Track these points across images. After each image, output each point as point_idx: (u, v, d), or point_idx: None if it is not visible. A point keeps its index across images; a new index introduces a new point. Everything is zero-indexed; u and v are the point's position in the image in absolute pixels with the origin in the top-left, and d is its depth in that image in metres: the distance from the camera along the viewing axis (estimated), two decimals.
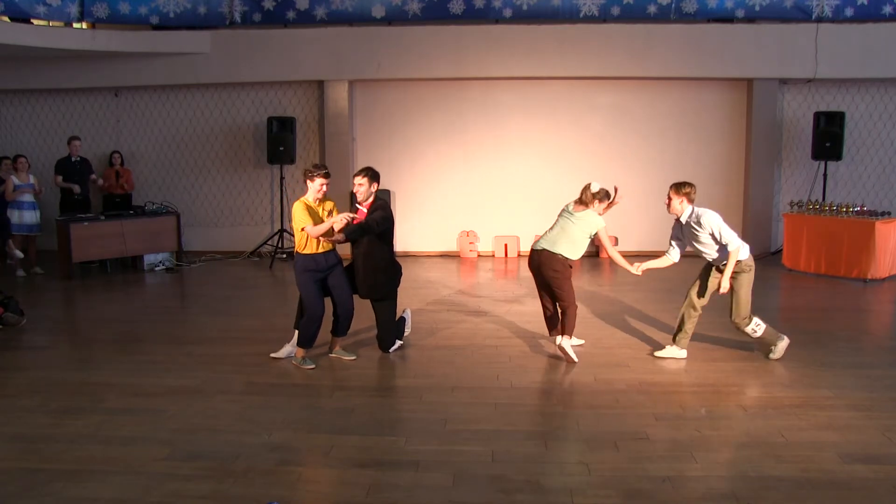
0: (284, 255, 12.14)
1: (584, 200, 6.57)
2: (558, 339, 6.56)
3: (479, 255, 12.68)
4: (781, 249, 11.23)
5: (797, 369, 6.22)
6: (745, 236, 12.32)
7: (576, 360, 6.47)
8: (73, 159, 11.54)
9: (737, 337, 6.90)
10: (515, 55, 11.88)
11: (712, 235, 6.23)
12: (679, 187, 6.34)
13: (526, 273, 11.11)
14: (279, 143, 11.88)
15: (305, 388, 5.93)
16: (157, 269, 11.37)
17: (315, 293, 6.37)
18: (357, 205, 6.66)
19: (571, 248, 6.53)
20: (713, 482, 4.22)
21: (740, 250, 6.22)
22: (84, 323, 8.49)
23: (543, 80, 12.28)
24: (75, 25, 11.68)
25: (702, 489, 4.14)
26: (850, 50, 11.63)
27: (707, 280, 6.53)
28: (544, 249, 6.57)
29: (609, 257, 6.73)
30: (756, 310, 8.65)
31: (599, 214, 6.55)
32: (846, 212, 10.23)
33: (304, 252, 6.35)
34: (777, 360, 6.44)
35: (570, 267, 6.58)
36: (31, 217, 10.80)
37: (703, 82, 12.34)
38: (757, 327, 6.43)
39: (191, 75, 12.35)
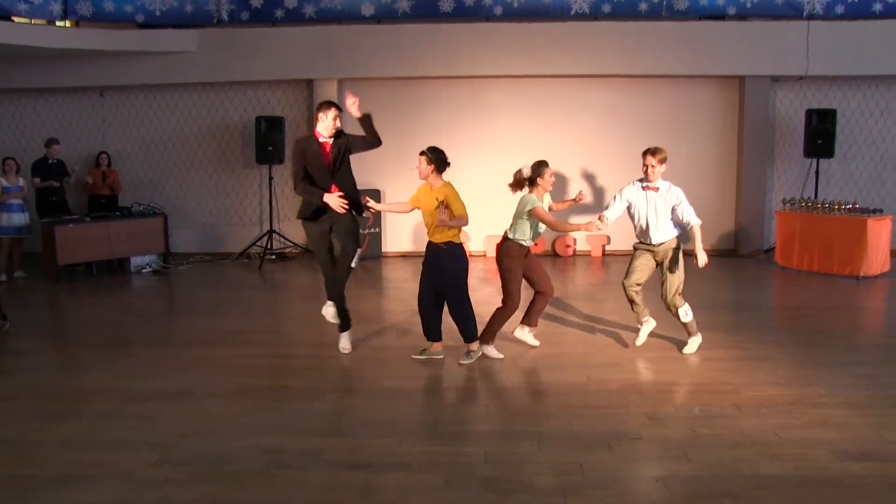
0: (273, 257, 12.12)
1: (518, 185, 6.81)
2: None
3: (470, 255, 12.68)
4: (774, 247, 11.28)
5: (791, 367, 6.25)
6: (737, 234, 12.43)
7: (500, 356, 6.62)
8: (50, 161, 11.42)
9: (730, 335, 6.94)
10: (506, 53, 11.89)
11: (674, 209, 6.39)
12: (656, 152, 6.40)
13: None
14: (268, 142, 11.85)
15: (296, 390, 5.92)
16: (144, 271, 11.33)
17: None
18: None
19: (512, 230, 6.74)
20: (708, 482, 4.24)
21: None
22: (70, 326, 8.47)
23: (534, 78, 12.30)
24: (58, 24, 11.62)
25: (696, 489, 4.16)
26: (842, 47, 11.69)
27: (643, 265, 6.62)
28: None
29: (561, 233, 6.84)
30: (750, 307, 8.73)
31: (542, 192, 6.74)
32: (838, 209, 10.29)
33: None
34: (691, 355, 6.57)
35: (516, 256, 6.65)
36: (20, 219, 10.72)
37: (694, 80, 12.39)
38: (689, 312, 6.57)
39: (177, 74, 12.30)
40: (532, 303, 6.91)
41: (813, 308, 8.68)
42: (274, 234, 12.25)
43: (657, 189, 6.43)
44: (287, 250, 12.48)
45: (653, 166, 6.39)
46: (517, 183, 6.75)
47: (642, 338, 6.85)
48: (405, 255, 12.72)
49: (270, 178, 12.13)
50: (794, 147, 12.39)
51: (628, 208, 6.61)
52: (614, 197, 6.69)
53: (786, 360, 6.46)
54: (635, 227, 6.67)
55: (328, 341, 7.13)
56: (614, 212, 6.58)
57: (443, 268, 6.41)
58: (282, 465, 4.51)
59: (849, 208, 10.26)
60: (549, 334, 7.39)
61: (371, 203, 6.71)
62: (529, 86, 12.46)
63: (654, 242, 6.50)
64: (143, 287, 10.49)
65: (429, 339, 6.66)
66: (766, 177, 12.43)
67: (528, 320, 6.95)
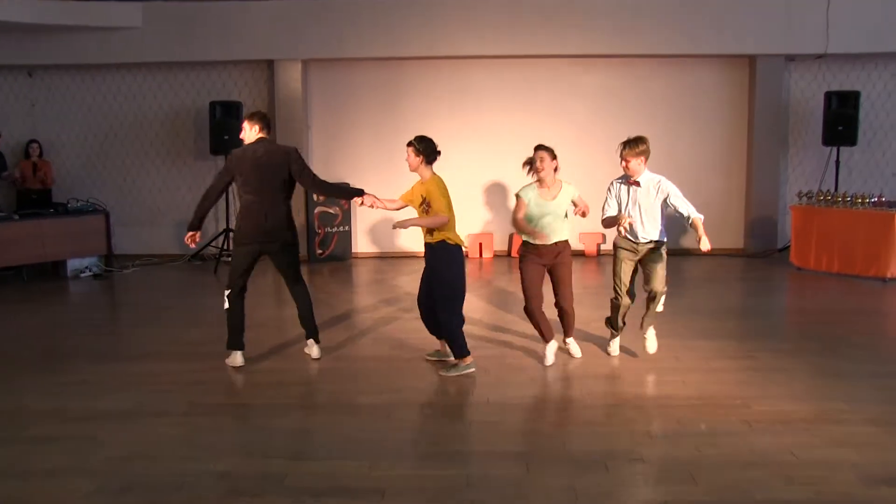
0: (230, 258, 12.05)
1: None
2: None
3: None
4: (789, 246, 11.36)
5: (808, 379, 6.29)
6: (748, 231, 12.52)
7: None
8: None
9: (740, 343, 6.99)
10: (489, 31, 11.92)
11: (665, 203, 6.43)
12: (635, 144, 6.41)
13: (503, 275, 11.18)
14: (223, 130, 11.78)
15: (257, 407, 5.90)
16: (83, 275, 11.26)
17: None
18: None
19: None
20: None
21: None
22: None
23: (520, 58, 12.34)
24: None
25: None
26: (866, 22, 11.77)
27: (631, 270, 6.71)
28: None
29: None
30: (761, 313, 8.79)
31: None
32: (862, 203, 10.35)
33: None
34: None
35: (524, 255, 6.76)
36: None
37: (699, 60, 12.46)
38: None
39: (120, 53, 12.22)
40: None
41: (832, 313, 8.74)
42: (231, 234, 12.19)
43: (639, 184, 6.50)
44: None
45: (627, 161, 6.43)
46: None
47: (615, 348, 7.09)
48: (377, 257, 12.71)
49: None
50: (811, 134, 12.50)
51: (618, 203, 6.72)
52: (607, 194, 6.79)
53: (802, 371, 6.49)
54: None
55: (292, 352, 7.11)
56: (614, 208, 6.68)
57: (431, 267, 6.60)
58: (239, 493, 4.48)
59: (874, 202, 10.32)
60: (537, 344, 7.41)
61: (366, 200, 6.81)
62: (514, 67, 12.50)
63: (640, 240, 6.55)
64: (82, 293, 10.41)
65: (438, 338, 6.88)
66: (779, 168, 12.53)
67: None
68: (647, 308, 6.77)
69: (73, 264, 11.30)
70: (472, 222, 12.73)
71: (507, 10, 11.89)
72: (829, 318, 8.49)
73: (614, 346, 7.07)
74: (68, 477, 4.69)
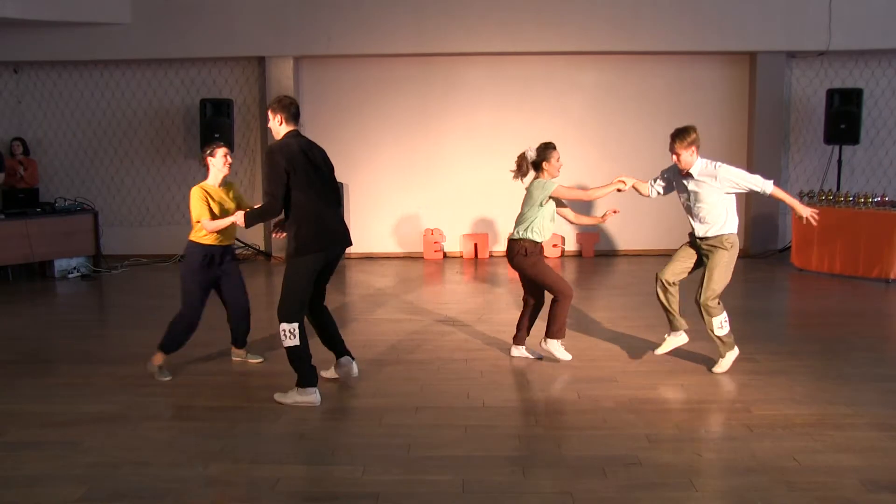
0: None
1: (522, 171, 6.82)
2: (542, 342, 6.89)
3: (445, 256, 12.70)
4: (790, 247, 11.37)
5: (811, 383, 6.28)
6: (748, 231, 12.51)
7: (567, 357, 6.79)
8: None
9: (740, 346, 6.95)
10: (485, 27, 11.92)
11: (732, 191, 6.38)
12: (686, 134, 6.32)
13: (498, 276, 11.17)
14: (214, 129, 11.76)
15: (246, 411, 5.88)
16: (70, 276, 11.23)
17: (200, 296, 6.59)
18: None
19: (523, 227, 6.75)
20: None
21: (734, 222, 6.42)
22: None
23: (517, 55, 12.34)
24: None
25: None
26: (869, 18, 11.80)
27: (683, 260, 6.58)
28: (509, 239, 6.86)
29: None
30: (761, 315, 8.78)
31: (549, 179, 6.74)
32: (864, 203, 10.37)
33: (202, 241, 6.58)
34: (722, 374, 6.51)
35: (532, 253, 6.71)
36: None
37: (699, 57, 12.47)
38: (724, 324, 6.45)
39: (108, 49, 12.21)
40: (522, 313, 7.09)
41: (834, 315, 8.75)
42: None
43: (692, 176, 6.40)
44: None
45: (678, 154, 6.34)
46: (520, 168, 6.79)
47: (664, 348, 6.78)
48: (370, 258, 12.69)
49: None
50: (812, 132, 12.52)
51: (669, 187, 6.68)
52: (667, 172, 6.73)
53: (804, 374, 6.49)
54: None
55: (282, 355, 7.08)
56: (655, 187, 6.70)
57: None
58: (229, 498, 4.47)
59: (876, 201, 10.35)
60: (533, 345, 7.40)
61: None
62: (510, 64, 12.50)
63: (698, 235, 6.46)
64: (69, 294, 10.38)
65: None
66: (780, 166, 12.54)
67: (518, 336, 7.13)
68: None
69: (60, 265, 11.28)
70: (467, 223, 12.72)
71: (502, 6, 11.88)
72: (830, 320, 8.50)
73: (668, 343, 6.75)
74: (53, 484, 4.66)
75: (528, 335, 7.09)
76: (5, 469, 4.89)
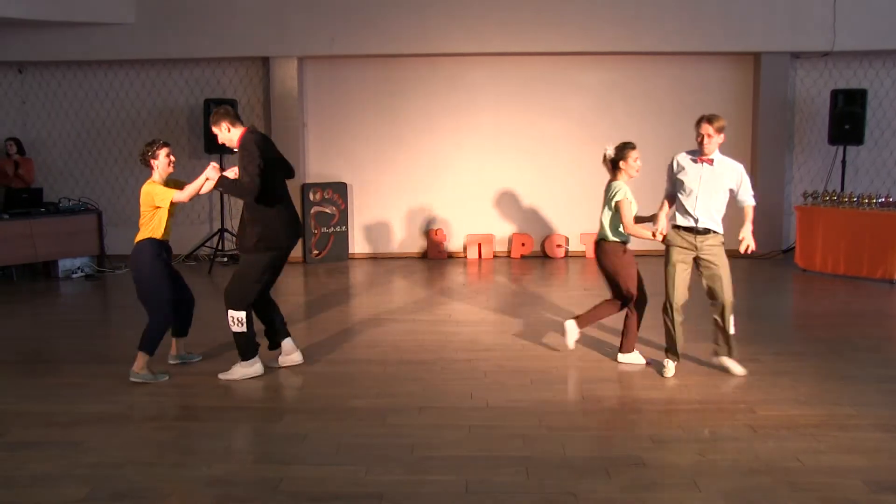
0: (226, 259, 12.06)
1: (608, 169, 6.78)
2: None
3: (448, 256, 12.69)
4: (794, 247, 11.35)
5: (814, 383, 6.27)
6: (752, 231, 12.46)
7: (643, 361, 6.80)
8: None
9: (744, 346, 6.95)
10: (488, 28, 11.91)
11: (731, 189, 6.34)
12: (715, 118, 6.22)
13: (503, 276, 11.16)
14: None
15: (250, 411, 5.89)
16: (74, 276, 11.24)
17: (169, 289, 6.64)
18: None
19: (608, 227, 6.69)
20: None
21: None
22: None
23: (520, 56, 12.33)
24: None
25: None
26: (873, 18, 11.76)
27: (685, 277, 6.42)
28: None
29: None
30: (765, 315, 8.77)
31: (627, 179, 6.71)
32: (868, 203, 10.35)
33: (158, 237, 6.61)
34: (726, 374, 6.49)
35: (611, 253, 6.68)
36: None
37: (703, 57, 12.45)
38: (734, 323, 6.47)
39: (112, 49, 12.21)
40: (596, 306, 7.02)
41: (838, 316, 8.73)
42: (226, 234, 12.18)
43: (711, 162, 6.32)
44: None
45: (709, 136, 6.20)
46: (606, 167, 6.78)
47: (669, 372, 6.57)
48: (375, 258, 12.69)
49: (221, 170, 12.02)
50: (817, 133, 12.49)
51: (677, 181, 6.46)
52: (669, 171, 6.58)
53: (807, 374, 6.49)
54: (678, 206, 6.44)
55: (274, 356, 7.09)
56: (669, 197, 6.57)
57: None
58: (232, 499, 4.46)
59: (881, 202, 10.33)
60: (537, 346, 7.40)
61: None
62: (514, 64, 12.49)
63: (700, 227, 6.30)
64: (73, 294, 10.39)
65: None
66: (784, 167, 12.52)
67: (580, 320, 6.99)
68: (718, 330, 6.51)
69: (64, 265, 11.28)
70: (471, 223, 12.71)
71: (504, 7, 11.86)
72: (835, 320, 8.48)
73: (669, 368, 6.53)
74: (55, 484, 4.67)
75: (635, 340, 6.89)
76: (8, 469, 4.89)
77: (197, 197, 6.82)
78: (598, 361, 6.96)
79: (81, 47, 12.16)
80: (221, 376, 6.50)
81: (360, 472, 4.75)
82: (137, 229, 6.67)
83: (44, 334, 8.29)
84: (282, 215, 6.48)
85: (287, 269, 6.79)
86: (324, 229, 12.36)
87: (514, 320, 8.48)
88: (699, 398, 6.03)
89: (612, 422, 5.57)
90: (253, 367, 6.53)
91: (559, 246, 12.57)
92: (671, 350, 6.55)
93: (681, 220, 6.39)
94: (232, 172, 6.58)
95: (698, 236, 6.33)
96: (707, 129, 6.21)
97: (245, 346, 6.51)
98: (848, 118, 11.55)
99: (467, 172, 12.62)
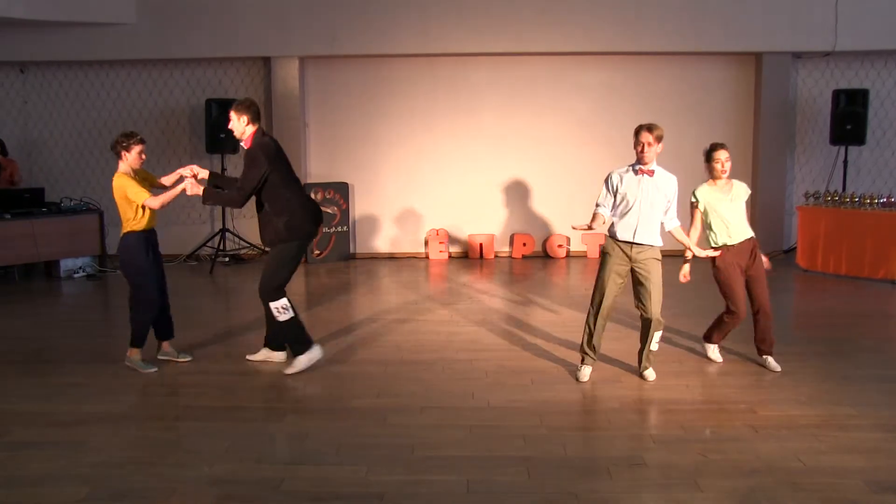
0: (227, 259, 12.06)
1: None
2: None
3: (450, 257, 12.69)
4: (795, 247, 11.35)
5: (816, 384, 6.28)
6: (753, 231, 12.45)
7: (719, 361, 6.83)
8: None
9: (744, 347, 6.96)
10: (490, 28, 11.91)
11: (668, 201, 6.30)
12: (652, 128, 6.17)
13: (504, 276, 11.16)
14: (219, 128, 11.72)
15: (251, 411, 5.88)
16: (76, 276, 11.25)
17: (155, 281, 6.72)
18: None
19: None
20: None
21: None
22: None
23: (522, 56, 12.34)
24: None
25: None
26: (875, 18, 11.76)
27: (615, 284, 6.31)
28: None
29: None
30: None
31: (709, 182, 6.75)
32: (870, 203, 10.35)
33: (141, 229, 6.65)
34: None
35: (722, 259, 6.68)
36: None
37: (704, 57, 12.45)
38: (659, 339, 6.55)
39: (114, 49, 12.22)
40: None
41: (840, 316, 8.74)
42: (227, 234, 12.19)
43: (652, 173, 6.22)
44: (242, 252, 12.43)
45: (649, 144, 6.10)
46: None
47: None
48: (376, 257, 12.69)
49: (223, 170, 12.05)
50: (818, 133, 12.49)
51: (617, 195, 6.29)
52: (603, 187, 6.38)
53: (809, 375, 6.49)
54: (616, 221, 6.31)
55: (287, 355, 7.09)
56: (608, 206, 6.34)
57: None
58: (233, 499, 4.47)
59: (882, 202, 10.33)
60: (538, 346, 7.40)
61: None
62: (515, 65, 12.50)
63: (638, 241, 6.19)
64: (75, 294, 10.40)
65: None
66: (786, 167, 12.52)
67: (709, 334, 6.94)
68: (642, 342, 6.45)
69: (66, 264, 11.28)
70: (472, 223, 12.71)
71: (506, 7, 11.87)
72: (836, 321, 8.48)
73: (585, 372, 6.48)
74: (57, 483, 4.67)
75: (769, 345, 6.74)
76: (10, 469, 4.89)
77: (197, 198, 6.80)
78: (599, 362, 6.95)
79: (83, 47, 12.17)
80: (288, 371, 6.63)
81: (362, 472, 4.75)
82: None
83: (45, 334, 8.29)
84: (305, 204, 6.66)
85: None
86: (325, 229, 12.36)
87: (515, 320, 8.48)
88: (700, 398, 6.03)
89: (613, 422, 5.56)
90: (314, 352, 6.67)
91: (560, 246, 12.57)
92: (589, 354, 6.49)
93: (620, 233, 6.27)
94: (203, 173, 6.73)
95: (634, 247, 6.22)
96: (647, 137, 6.13)
97: (298, 333, 6.62)
98: (849, 118, 11.54)
99: (468, 172, 12.62)
